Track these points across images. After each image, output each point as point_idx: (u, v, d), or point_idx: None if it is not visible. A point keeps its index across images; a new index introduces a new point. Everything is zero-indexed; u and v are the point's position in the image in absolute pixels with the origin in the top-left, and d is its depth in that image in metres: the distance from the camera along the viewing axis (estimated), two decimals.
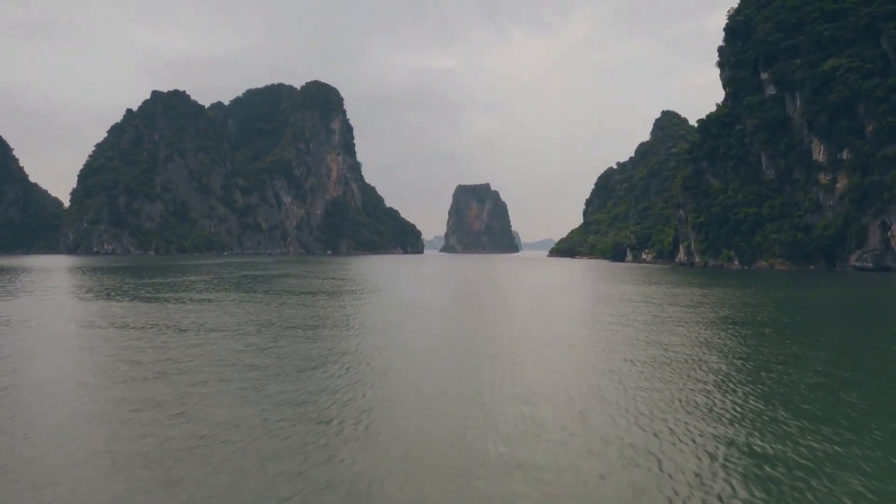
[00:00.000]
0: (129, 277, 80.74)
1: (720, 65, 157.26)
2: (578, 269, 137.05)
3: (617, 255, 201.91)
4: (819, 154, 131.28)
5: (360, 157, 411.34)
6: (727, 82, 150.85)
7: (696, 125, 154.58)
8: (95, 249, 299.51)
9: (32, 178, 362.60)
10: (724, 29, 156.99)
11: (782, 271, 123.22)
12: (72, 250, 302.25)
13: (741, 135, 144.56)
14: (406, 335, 30.22)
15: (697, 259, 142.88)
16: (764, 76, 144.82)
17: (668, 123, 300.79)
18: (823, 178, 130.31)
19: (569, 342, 28.19)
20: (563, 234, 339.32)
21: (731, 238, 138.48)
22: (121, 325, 33.09)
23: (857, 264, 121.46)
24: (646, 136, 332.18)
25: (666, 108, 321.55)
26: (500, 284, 76.72)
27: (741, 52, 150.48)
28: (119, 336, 29.18)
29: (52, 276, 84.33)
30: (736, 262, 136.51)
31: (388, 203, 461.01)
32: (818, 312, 45.80)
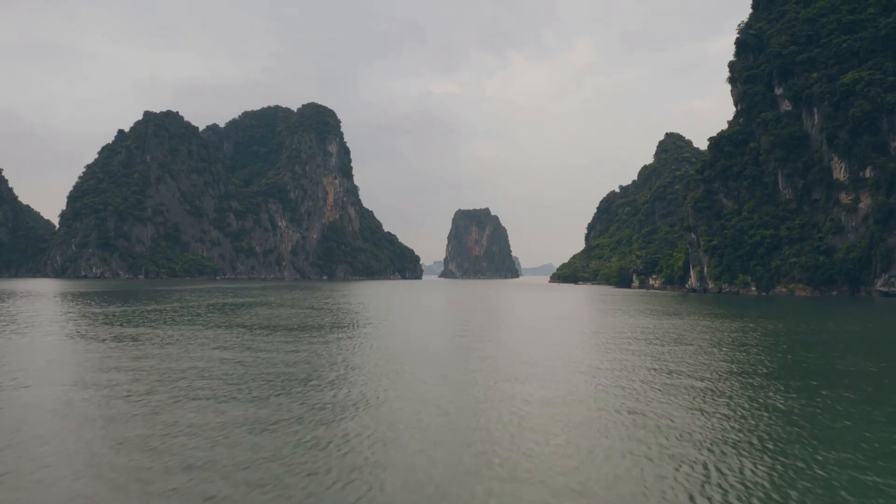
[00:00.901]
0: (83, 305, 71.50)
1: (731, 80, 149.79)
2: (584, 296, 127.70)
3: (622, 280, 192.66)
4: (840, 172, 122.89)
5: (359, 181, 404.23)
6: (739, 98, 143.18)
7: (707, 143, 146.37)
8: (83, 273, 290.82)
9: (34, 202, 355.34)
10: (735, 43, 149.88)
11: (803, 298, 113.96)
12: (59, 274, 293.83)
13: (755, 153, 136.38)
14: (369, 398, 20.94)
15: (710, 285, 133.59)
16: (778, 91, 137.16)
17: (672, 146, 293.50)
18: (845, 197, 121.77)
19: (602, 420, 18.91)
20: (563, 259, 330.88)
21: (746, 262, 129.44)
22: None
23: (884, 289, 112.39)
24: (646, 161, 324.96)
25: (665, 133, 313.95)
26: (504, 315, 67.48)
27: (753, 66, 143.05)
28: None
29: (3, 303, 75.00)
30: (753, 288, 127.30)
31: (387, 228, 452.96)
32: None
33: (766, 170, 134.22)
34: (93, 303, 76.47)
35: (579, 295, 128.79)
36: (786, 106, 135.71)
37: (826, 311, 73.79)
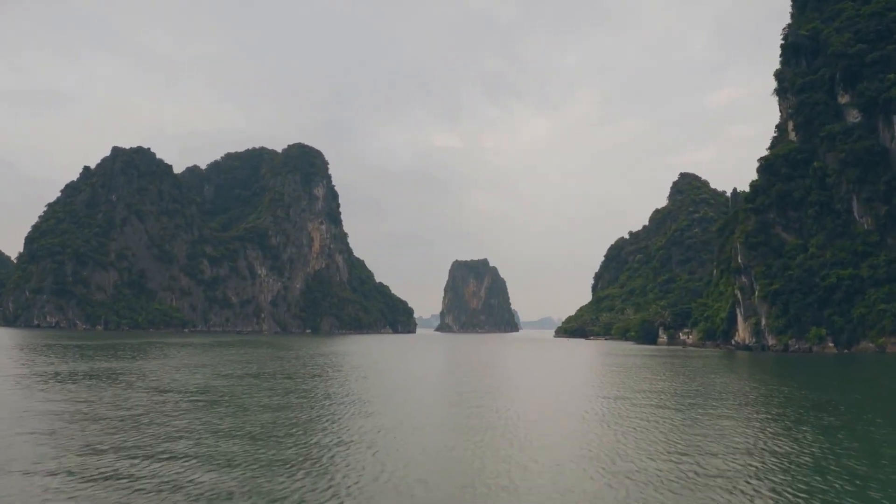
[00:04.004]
0: None
1: (779, 91, 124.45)
2: (609, 357, 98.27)
3: (646, 335, 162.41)
4: None
5: (354, 233, 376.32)
6: (794, 110, 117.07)
7: (757, 165, 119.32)
8: (36, 322, 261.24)
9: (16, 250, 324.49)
10: (782, 47, 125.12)
11: None
12: (11, 322, 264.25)
13: (821, 174, 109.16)
14: None
15: (771, 340, 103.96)
16: (843, 99, 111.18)
17: (688, 186, 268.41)
18: None
19: None
20: (562, 312, 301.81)
21: (819, 311, 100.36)
22: None
23: None
24: (648, 211, 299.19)
25: (680, 173, 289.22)
26: (511, 396, 38.45)
27: (809, 72, 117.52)
28: None
29: None
30: (830, 344, 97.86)
31: (383, 280, 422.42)
32: None
33: (836, 194, 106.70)
34: None
35: (600, 356, 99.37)
36: (853, 116, 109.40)
37: None
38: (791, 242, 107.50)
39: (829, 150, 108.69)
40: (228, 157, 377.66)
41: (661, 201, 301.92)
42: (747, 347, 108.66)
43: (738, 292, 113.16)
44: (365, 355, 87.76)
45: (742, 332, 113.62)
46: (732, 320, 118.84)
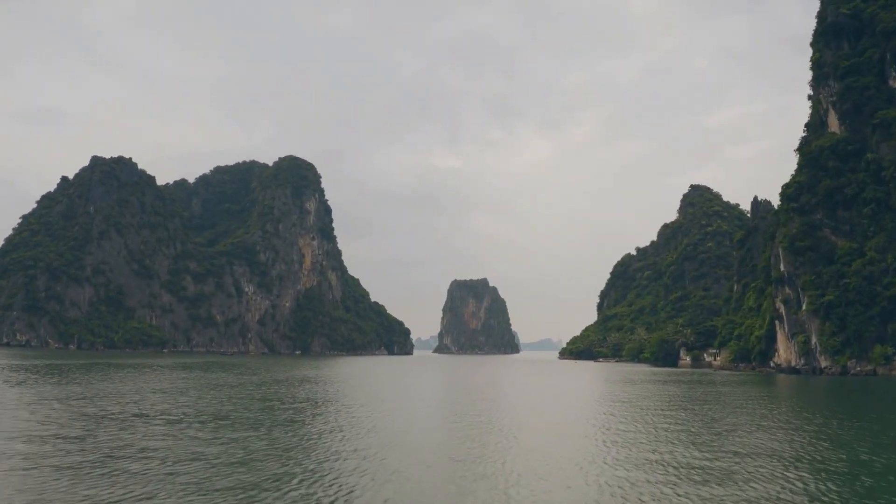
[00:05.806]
0: None
1: (816, 80, 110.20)
2: (638, 385, 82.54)
3: (665, 357, 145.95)
4: None
5: (353, 253, 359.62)
6: (840, 97, 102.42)
7: (797, 157, 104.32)
8: (5, 340, 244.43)
9: None
10: (817, 32, 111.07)
11: None
12: None
13: (876, 167, 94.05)
14: None
15: (825, 362, 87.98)
16: (895, 83, 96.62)
17: (699, 199, 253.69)
18: None
19: None
20: (563, 333, 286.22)
21: (882, 326, 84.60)
22: None
23: None
24: (651, 230, 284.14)
25: (690, 185, 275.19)
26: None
27: (854, 54, 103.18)
28: None
29: None
30: None
31: (381, 302, 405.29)
32: None
33: (894, 190, 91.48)
34: None
35: (629, 383, 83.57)
36: None
37: None
38: (844, 246, 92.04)
39: (884, 139, 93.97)
40: (218, 170, 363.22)
41: (664, 221, 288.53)
42: (793, 370, 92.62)
43: (780, 306, 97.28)
44: (341, 383, 72.03)
45: (784, 353, 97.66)
46: (771, 339, 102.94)
